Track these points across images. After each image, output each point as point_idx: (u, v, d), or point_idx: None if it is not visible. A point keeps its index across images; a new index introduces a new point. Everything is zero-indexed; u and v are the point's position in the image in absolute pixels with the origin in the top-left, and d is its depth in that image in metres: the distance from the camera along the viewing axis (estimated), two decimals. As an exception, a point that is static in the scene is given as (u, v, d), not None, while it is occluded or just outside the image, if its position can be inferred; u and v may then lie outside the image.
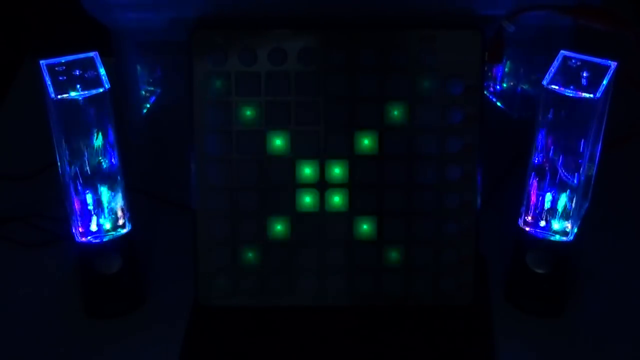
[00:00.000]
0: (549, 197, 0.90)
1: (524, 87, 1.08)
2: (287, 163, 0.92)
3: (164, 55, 1.06)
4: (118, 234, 0.91)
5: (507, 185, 0.99)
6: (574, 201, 0.89)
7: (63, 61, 0.86)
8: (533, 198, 0.90)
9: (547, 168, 0.89)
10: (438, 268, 0.93)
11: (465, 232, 0.93)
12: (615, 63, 0.86)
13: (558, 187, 0.89)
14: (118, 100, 0.89)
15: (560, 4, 0.93)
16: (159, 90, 1.09)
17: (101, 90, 0.85)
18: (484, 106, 0.91)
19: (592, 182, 0.92)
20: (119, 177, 0.90)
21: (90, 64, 0.86)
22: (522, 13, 0.93)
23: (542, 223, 0.91)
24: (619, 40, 0.93)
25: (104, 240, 0.91)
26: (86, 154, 0.88)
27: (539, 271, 0.92)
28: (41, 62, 0.86)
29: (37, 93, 0.88)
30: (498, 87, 1.11)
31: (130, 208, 0.92)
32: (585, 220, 0.92)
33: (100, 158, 0.88)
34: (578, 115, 0.85)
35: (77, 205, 0.90)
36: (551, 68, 0.86)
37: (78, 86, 0.85)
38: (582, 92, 0.84)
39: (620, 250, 1.01)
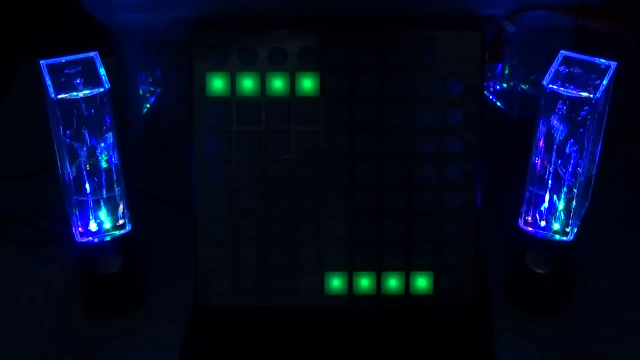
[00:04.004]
0: (548, 197, 0.90)
1: (524, 87, 1.09)
2: (287, 163, 0.92)
3: (164, 55, 1.06)
4: (118, 234, 0.91)
5: (507, 185, 0.99)
6: (574, 201, 0.89)
7: (63, 61, 0.86)
8: (533, 198, 0.90)
9: (547, 168, 0.89)
10: (438, 268, 0.93)
11: (465, 232, 0.93)
12: (615, 63, 0.86)
13: (558, 187, 0.89)
14: (118, 100, 0.89)
15: (560, 4, 0.93)
16: (159, 90, 1.09)
17: (101, 90, 0.85)
18: (484, 106, 0.91)
19: (592, 182, 0.92)
20: (119, 177, 0.90)
21: (90, 64, 0.86)
22: (522, 13, 0.93)
23: (542, 223, 0.91)
24: (619, 40, 0.93)
25: (104, 240, 0.91)
26: (86, 154, 0.88)
27: (539, 271, 0.92)
28: (41, 62, 0.86)
29: (37, 93, 0.88)
30: (498, 87, 1.11)
31: (130, 208, 0.92)
32: (585, 220, 0.92)
33: (100, 158, 0.88)
34: (578, 116, 0.85)
35: (77, 205, 0.90)
36: (551, 68, 0.86)
37: (78, 86, 0.85)
38: (582, 92, 0.84)
39: (620, 250, 1.01)
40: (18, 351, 0.92)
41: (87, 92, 0.85)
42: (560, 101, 0.85)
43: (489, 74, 1.10)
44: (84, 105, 0.85)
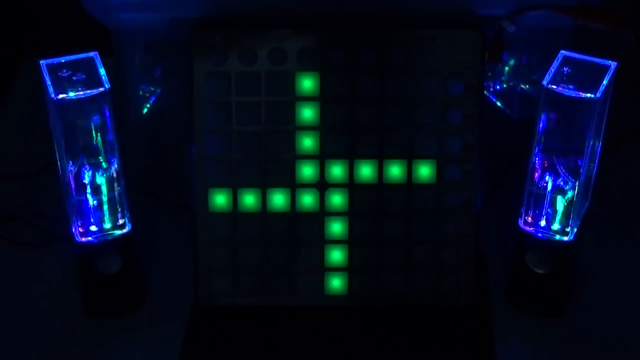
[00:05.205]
0: (548, 197, 0.90)
1: (524, 87, 1.08)
2: (287, 163, 0.92)
3: (164, 55, 1.06)
4: (118, 234, 0.91)
5: (507, 185, 0.99)
6: (574, 201, 0.89)
7: (63, 61, 0.86)
8: (533, 198, 0.90)
9: (547, 168, 0.89)
10: (438, 268, 0.93)
11: (465, 232, 0.93)
12: (615, 63, 0.86)
13: (558, 187, 0.89)
14: (118, 100, 0.89)
15: (560, 4, 0.93)
16: (159, 90, 1.09)
17: (101, 90, 0.85)
18: (484, 106, 0.91)
19: (592, 182, 0.92)
20: (118, 177, 0.90)
21: (90, 64, 0.86)
22: (522, 13, 0.93)
23: (542, 223, 0.91)
24: (619, 40, 0.93)
25: (104, 240, 0.91)
26: (86, 154, 0.88)
27: (539, 271, 0.92)
28: (41, 62, 0.86)
29: (37, 93, 0.88)
30: (498, 87, 1.11)
31: (130, 208, 0.92)
32: (585, 220, 0.92)
33: (100, 158, 0.88)
34: (578, 115, 0.85)
35: (77, 205, 0.90)
36: (551, 68, 0.86)
37: (78, 86, 0.85)
38: (582, 92, 0.84)
39: (620, 250, 1.01)
40: (18, 351, 0.92)
41: (87, 92, 0.85)
42: (560, 101, 0.85)
43: (489, 74, 1.10)
44: (83, 105, 0.85)
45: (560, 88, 0.85)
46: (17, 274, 1.00)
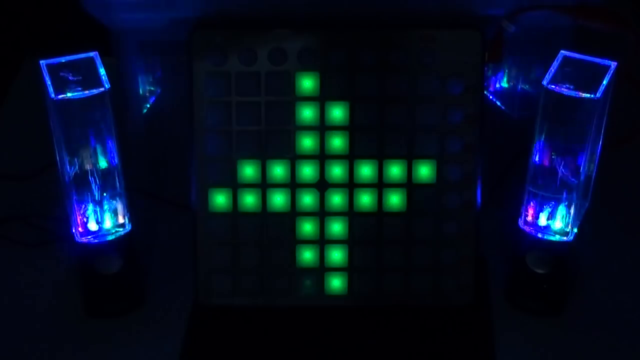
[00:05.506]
0: (548, 197, 0.90)
1: (524, 87, 1.08)
2: (287, 163, 0.92)
3: (164, 55, 1.06)
4: (118, 234, 0.91)
5: (507, 185, 0.99)
6: (574, 201, 0.89)
7: (63, 61, 0.86)
8: (533, 198, 0.90)
9: (547, 168, 0.89)
10: (438, 268, 0.93)
11: (465, 232, 0.93)
12: (615, 63, 0.86)
13: (558, 187, 0.89)
14: (118, 100, 0.89)
15: (560, 4, 0.93)
16: (159, 90, 1.09)
17: (101, 90, 0.85)
18: (484, 106, 0.91)
19: (592, 182, 0.92)
20: (119, 177, 0.90)
21: (90, 64, 0.86)
22: (522, 13, 0.93)
23: (542, 223, 0.91)
24: (619, 40, 0.93)
25: (104, 240, 0.91)
26: (86, 154, 0.88)
27: (539, 271, 0.92)
28: (41, 62, 0.86)
29: (37, 93, 0.88)
30: (498, 87, 1.11)
31: (130, 208, 0.92)
32: (585, 220, 0.92)
33: (100, 158, 0.88)
34: (578, 115, 0.85)
35: (77, 205, 0.90)
36: (551, 68, 0.86)
37: (78, 86, 0.85)
38: (582, 92, 0.84)
39: (620, 250, 1.01)
40: (18, 351, 0.92)
41: (87, 92, 0.85)
42: (560, 101, 0.85)
43: (489, 74, 1.10)
44: (83, 105, 0.85)
45: (560, 88, 0.85)
46: (17, 274, 1.00)
